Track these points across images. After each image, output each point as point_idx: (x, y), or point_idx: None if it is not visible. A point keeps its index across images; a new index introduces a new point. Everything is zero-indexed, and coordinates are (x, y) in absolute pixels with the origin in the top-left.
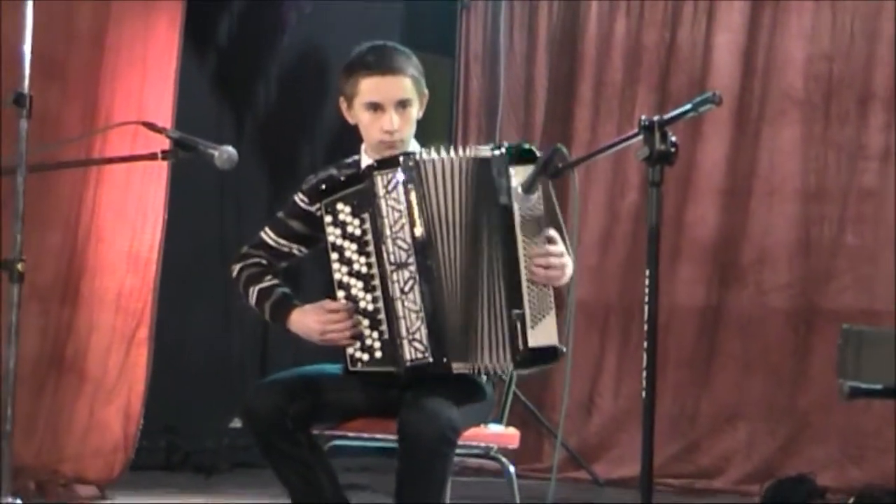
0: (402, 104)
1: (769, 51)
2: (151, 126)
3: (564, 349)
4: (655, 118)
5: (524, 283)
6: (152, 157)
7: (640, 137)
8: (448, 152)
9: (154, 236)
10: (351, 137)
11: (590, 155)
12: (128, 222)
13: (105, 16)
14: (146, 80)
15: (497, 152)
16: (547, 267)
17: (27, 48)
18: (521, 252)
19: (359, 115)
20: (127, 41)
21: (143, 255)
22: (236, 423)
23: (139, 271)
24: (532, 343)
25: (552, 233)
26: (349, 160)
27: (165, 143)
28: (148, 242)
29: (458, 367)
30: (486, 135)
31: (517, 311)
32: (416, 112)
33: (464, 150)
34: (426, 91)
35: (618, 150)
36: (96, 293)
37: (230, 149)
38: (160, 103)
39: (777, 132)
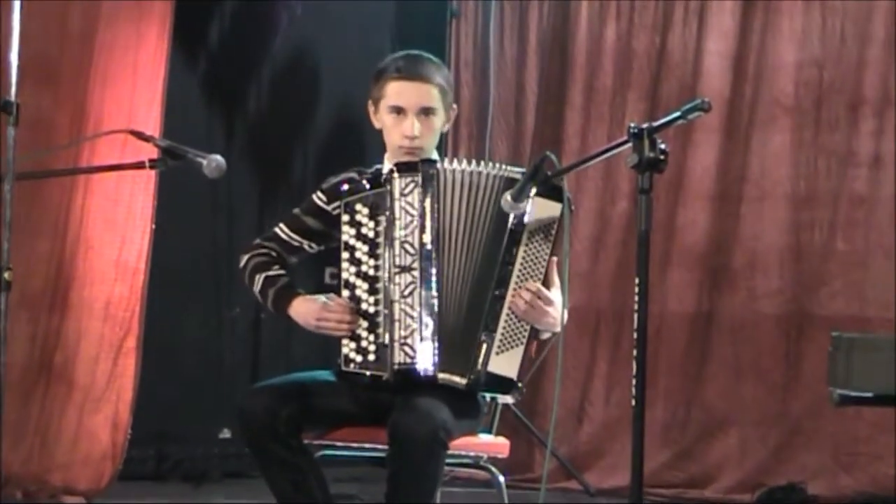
0: (426, 111)
1: (760, 55)
2: (140, 135)
3: (521, 385)
4: (644, 125)
5: (505, 309)
6: (139, 166)
7: (630, 145)
8: (472, 164)
9: (142, 245)
10: (345, 143)
11: (579, 163)
12: (116, 231)
13: (96, 17)
14: (136, 85)
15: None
16: (531, 304)
17: (14, 55)
18: (514, 279)
19: (383, 118)
20: (119, 44)
21: (131, 263)
22: (226, 434)
23: (127, 280)
24: (491, 368)
25: (555, 291)
26: (371, 169)
27: (154, 152)
28: (136, 251)
29: (444, 379)
30: (476, 142)
31: (488, 332)
32: (440, 122)
33: (493, 165)
34: (455, 105)
35: (608, 157)
36: (85, 301)
37: (219, 157)
38: (150, 109)
39: (767, 138)
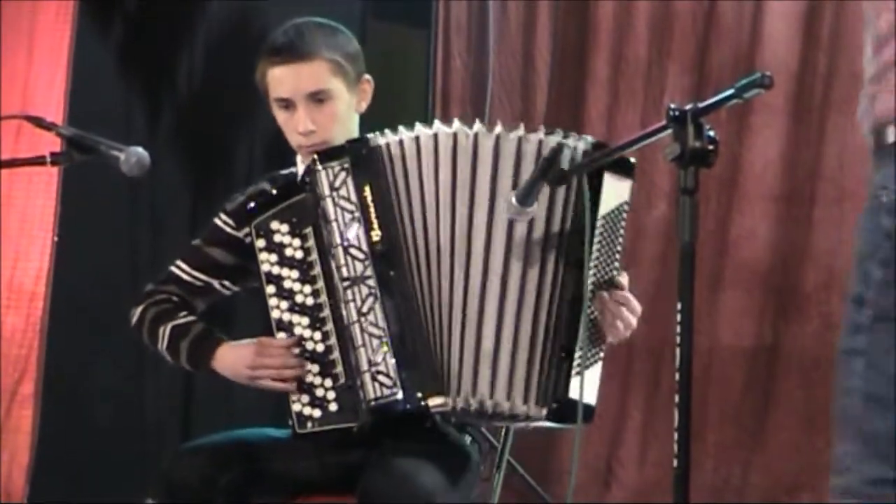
0: (316, 97)
1: (838, 15)
2: (38, 121)
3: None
4: (689, 106)
5: (583, 317)
6: (38, 161)
7: (670, 131)
8: (420, 128)
9: (42, 263)
10: None
11: (605, 154)
12: (9, 245)
13: None
14: (34, 58)
15: (570, 142)
16: (619, 316)
17: None
18: (588, 279)
19: (276, 115)
20: (11, 5)
21: (27, 287)
22: (150, 502)
23: (23, 308)
24: (573, 394)
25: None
26: (285, 171)
27: (56, 143)
28: (34, 271)
29: (436, 405)
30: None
31: (565, 348)
32: (343, 106)
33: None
34: (367, 77)
35: (641, 147)
36: None
37: (140, 150)
38: (51, 88)
39: (848, 122)
